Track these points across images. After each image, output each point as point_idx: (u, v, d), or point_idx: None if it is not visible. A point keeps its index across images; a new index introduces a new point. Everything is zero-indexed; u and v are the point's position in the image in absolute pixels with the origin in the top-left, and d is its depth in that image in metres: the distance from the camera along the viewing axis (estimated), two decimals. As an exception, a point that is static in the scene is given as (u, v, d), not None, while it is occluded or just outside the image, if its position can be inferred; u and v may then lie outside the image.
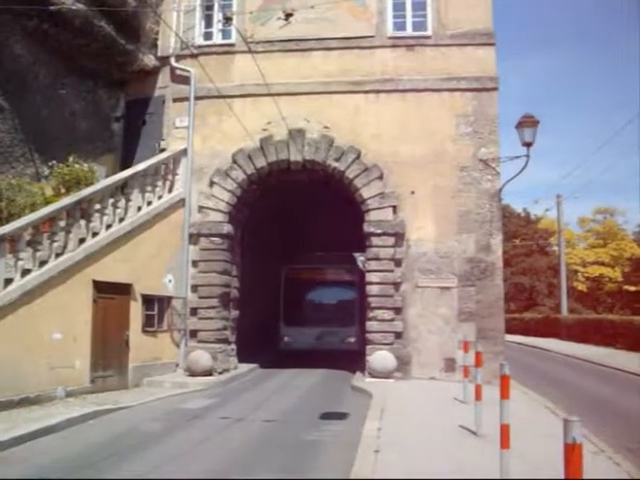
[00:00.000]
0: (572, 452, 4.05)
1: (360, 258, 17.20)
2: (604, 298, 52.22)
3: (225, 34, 18.03)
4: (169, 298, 16.30)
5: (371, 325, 16.07)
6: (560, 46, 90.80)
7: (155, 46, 17.95)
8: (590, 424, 9.24)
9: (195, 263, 16.85)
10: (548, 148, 68.07)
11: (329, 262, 23.40)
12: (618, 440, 9.37)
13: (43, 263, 12.18)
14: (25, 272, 11.70)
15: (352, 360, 17.97)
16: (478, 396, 9.37)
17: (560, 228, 41.37)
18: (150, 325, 15.52)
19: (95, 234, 13.75)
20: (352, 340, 21.17)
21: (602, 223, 56.54)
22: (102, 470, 7.53)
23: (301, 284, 22.59)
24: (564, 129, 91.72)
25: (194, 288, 16.68)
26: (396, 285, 16.09)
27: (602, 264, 51.46)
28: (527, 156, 15.40)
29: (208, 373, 15.68)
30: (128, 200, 15.11)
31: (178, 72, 17.81)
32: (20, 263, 11.63)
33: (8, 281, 11.30)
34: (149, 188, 16.01)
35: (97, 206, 14.01)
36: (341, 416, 11.37)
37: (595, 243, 54.65)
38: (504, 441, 6.52)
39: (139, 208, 15.43)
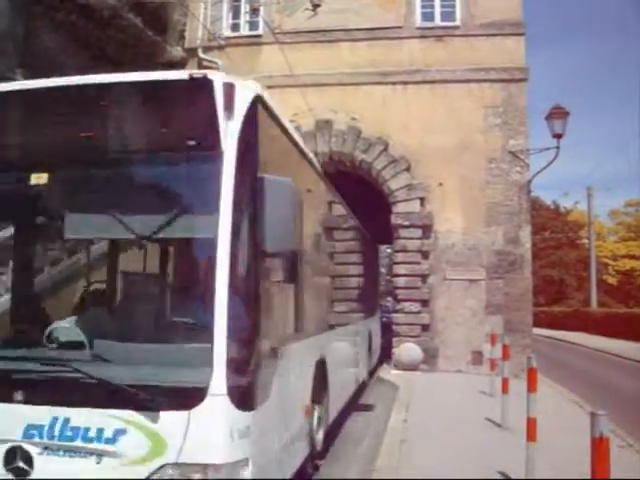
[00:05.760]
0: (599, 446, 4.01)
1: (387, 250, 16.67)
2: (635, 292, 51.52)
3: (252, 25, 18.02)
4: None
5: (398, 317, 16.04)
6: (592, 36, 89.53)
7: (182, 38, 17.99)
8: (617, 418, 9.12)
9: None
10: (579, 140, 67.10)
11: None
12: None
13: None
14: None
15: None
16: (505, 389, 9.31)
17: (590, 221, 40.91)
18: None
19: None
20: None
21: (633, 216, 55.80)
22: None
23: None
24: (595, 121, 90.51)
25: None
26: (423, 277, 16.02)
27: (633, 257, 50.82)
28: (557, 148, 15.25)
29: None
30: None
31: (205, 64, 17.81)
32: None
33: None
34: (176, 179, 16.06)
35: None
36: (367, 407, 11.36)
37: (626, 236, 53.97)
38: (530, 434, 6.46)
39: (166, 199, 15.48)
